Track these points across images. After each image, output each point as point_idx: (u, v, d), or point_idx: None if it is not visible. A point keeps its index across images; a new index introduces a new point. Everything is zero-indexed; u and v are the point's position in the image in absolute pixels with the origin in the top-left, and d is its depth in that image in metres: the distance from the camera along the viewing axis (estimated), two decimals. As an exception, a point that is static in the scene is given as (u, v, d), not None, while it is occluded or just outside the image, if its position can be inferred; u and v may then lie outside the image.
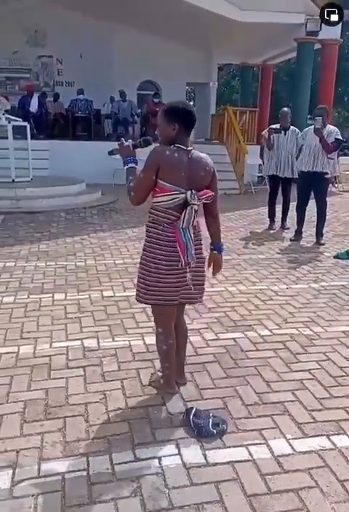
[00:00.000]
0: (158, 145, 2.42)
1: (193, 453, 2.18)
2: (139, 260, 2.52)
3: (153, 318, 3.53)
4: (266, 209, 7.59)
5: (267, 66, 16.74)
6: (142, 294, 2.49)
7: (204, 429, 2.29)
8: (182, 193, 2.33)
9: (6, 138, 8.79)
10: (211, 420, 2.32)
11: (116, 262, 5.23)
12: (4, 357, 3.04)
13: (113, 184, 10.58)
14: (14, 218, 7.37)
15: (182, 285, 2.45)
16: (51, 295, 4.15)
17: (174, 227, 2.36)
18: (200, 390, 2.70)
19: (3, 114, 8.98)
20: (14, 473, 2.02)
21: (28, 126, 9.24)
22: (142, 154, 2.48)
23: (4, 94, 12.67)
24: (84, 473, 2.04)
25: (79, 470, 2.05)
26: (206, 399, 2.62)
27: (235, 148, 11.21)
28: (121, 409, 2.51)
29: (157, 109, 11.92)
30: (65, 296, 4.16)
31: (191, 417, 2.34)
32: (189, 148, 2.38)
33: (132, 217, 7.82)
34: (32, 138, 9.63)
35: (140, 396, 2.63)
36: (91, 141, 11.79)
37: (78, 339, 3.32)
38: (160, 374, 2.79)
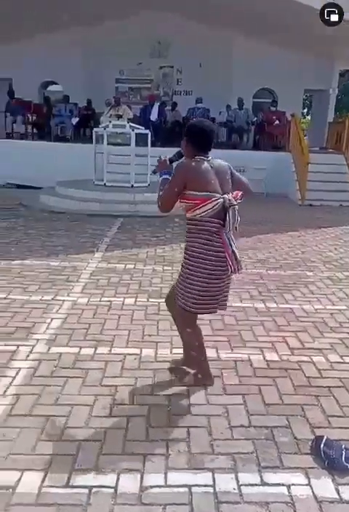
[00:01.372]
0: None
1: (324, 486, 2.04)
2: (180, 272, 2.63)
3: (271, 333, 3.47)
4: None
5: None
6: (190, 303, 2.56)
7: (336, 461, 2.13)
8: (220, 198, 2.45)
9: (128, 145, 9.22)
10: (344, 453, 2.16)
11: (232, 271, 5.17)
12: (128, 358, 3.14)
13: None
14: (132, 222, 7.69)
15: (222, 292, 2.60)
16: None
17: (220, 234, 2.46)
18: (327, 416, 2.53)
19: (128, 123, 9.44)
20: (142, 478, 2.05)
21: (149, 134, 9.59)
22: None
23: (127, 104, 13.33)
24: (211, 489, 2.00)
25: (206, 486, 2.02)
26: (334, 427, 2.44)
27: (357, 159, 10.56)
28: (244, 426, 2.44)
29: (274, 117, 11.73)
30: (183, 302, 4.20)
31: (322, 446, 2.20)
32: (209, 157, 2.54)
33: (243, 225, 7.70)
34: (151, 145, 10.00)
35: (263, 415, 2.53)
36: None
37: (197, 347, 3.32)
38: (191, 371, 2.84)
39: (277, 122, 11.71)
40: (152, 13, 13.81)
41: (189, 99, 14.51)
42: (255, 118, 12.55)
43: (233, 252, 2.46)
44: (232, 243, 2.48)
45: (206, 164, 2.48)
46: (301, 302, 4.23)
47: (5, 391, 2.70)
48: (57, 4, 11.59)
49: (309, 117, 22.84)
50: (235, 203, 2.47)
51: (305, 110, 19.30)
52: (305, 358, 3.14)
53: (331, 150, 12.82)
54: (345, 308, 4.11)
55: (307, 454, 2.23)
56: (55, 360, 3.08)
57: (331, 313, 3.92)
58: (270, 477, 2.08)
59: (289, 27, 11.97)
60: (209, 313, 2.71)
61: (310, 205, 9.79)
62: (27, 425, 2.40)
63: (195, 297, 2.54)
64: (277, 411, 2.57)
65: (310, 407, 2.59)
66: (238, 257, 2.49)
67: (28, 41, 13.74)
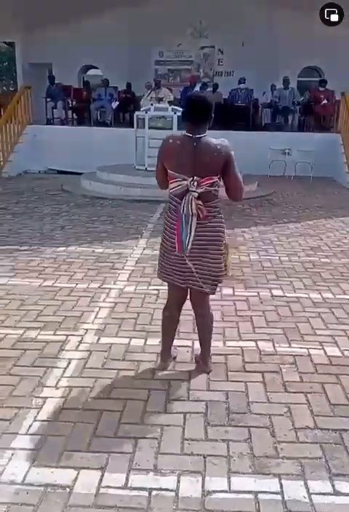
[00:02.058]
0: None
1: None
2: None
3: (330, 326, 3.28)
4: None
5: None
6: (157, 268, 2.77)
7: None
8: (184, 180, 2.41)
9: (171, 129, 9.03)
10: None
11: (281, 258, 4.96)
12: (180, 349, 3.02)
13: (268, 175, 10.27)
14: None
15: (185, 270, 2.56)
16: (219, 289, 4.06)
17: (177, 213, 2.46)
18: None
19: (170, 105, 9.24)
20: (203, 482, 1.93)
21: (191, 116, 9.36)
22: None
23: (168, 86, 13.11)
24: (278, 496, 1.86)
25: (272, 493, 1.87)
26: None
27: None
28: (309, 427, 2.27)
29: (322, 96, 11.23)
30: (233, 291, 4.04)
31: None
32: (198, 136, 2.40)
33: (292, 210, 7.45)
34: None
35: (330, 416, 2.36)
36: (248, 131, 11.58)
37: (251, 340, 3.16)
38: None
39: (325, 101, 11.18)
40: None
41: (230, 80, 14.11)
42: (302, 98, 12.03)
43: (182, 237, 2.46)
44: (186, 226, 2.44)
45: (186, 143, 2.41)
46: (360, 292, 3.99)
47: (57, 383, 2.64)
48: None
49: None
50: (194, 189, 2.40)
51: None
52: (371, 354, 2.93)
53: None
54: None
55: (383, 462, 2.05)
56: (106, 351, 3.00)
57: None
58: (343, 486, 1.91)
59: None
60: (169, 281, 2.71)
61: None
62: (80, 419, 2.33)
63: (158, 262, 2.73)
64: (344, 412, 2.38)
65: (381, 409, 2.40)
66: (187, 242, 2.47)
67: (67, 26, 13.70)
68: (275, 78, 12.59)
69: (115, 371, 2.77)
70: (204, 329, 2.79)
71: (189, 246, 2.48)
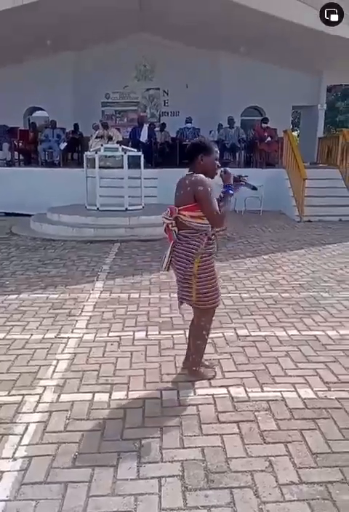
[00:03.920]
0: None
1: None
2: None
3: (299, 365, 3.22)
4: None
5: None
6: None
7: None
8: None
9: (121, 168, 8.98)
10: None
11: (242, 295, 4.90)
12: (148, 402, 2.82)
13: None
14: (129, 246, 7.40)
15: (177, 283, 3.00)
16: (182, 332, 3.91)
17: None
18: None
19: (120, 145, 9.21)
20: None
21: (142, 155, 9.37)
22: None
23: (115, 127, 13.16)
24: None
25: None
26: None
27: (353, 172, 10.45)
28: (294, 482, 2.13)
29: (265, 134, 11.63)
30: (198, 334, 3.89)
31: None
32: (188, 173, 2.83)
33: (246, 245, 7.51)
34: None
35: (313, 467, 2.23)
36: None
37: (222, 386, 3.01)
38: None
39: (269, 139, 11.59)
40: (137, 36, 13.80)
41: (176, 119, 14.43)
42: (244, 135, 12.40)
43: (166, 255, 2.90)
44: (170, 249, 2.87)
45: (180, 179, 2.87)
46: (324, 327, 3.95)
47: (14, 454, 2.36)
48: (43, 30, 11.44)
49: (295, 133, 22.95)
50: (166, 218, 2.81)
51: (290, 127, 19.24)
52: (344, 394, 2.85)
53: (321, 165, 12.78)
54: None
55: (374, 515, 1.93)
56: (67, 410, 2.75)
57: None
58: None
59: (277, 44, 11.99)
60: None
61: (309, 221, 9.61)
62: (43, 495, 2.07)
63: None
64: (327, 461, 2.26)
65: (363, 455, 2.30)
66: (165, 262, 2.91)
67: (13, 67, 13.57)
68: (219, 117, 12.98)
69: (80, 433, 2.53)
70: (191, 333, 3.11)
71: (163, 265, 2.92)
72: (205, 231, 2.81)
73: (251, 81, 13.46)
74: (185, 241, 2.81)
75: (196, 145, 2.87)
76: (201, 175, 2.74)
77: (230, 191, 2.88)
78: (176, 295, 4.89)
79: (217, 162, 2.85)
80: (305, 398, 2.82)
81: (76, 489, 2.12)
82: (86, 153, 9.66)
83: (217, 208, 2.74)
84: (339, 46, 10.74)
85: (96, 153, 9.08)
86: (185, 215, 2.78)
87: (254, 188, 3.13)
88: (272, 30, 11.04)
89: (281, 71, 13.76)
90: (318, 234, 8.42)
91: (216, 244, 2.93)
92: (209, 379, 3.08)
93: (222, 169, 2.93)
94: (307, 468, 2.22)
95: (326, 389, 2.93)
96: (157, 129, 13.17)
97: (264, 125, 11.75)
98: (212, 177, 2.84)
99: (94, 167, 8.96)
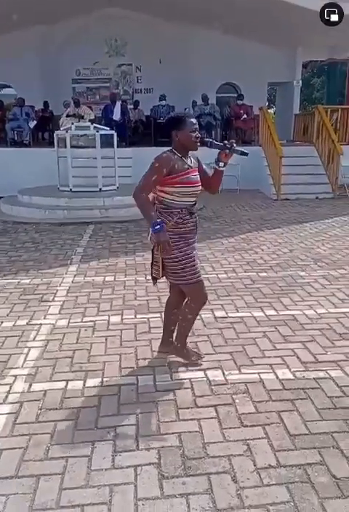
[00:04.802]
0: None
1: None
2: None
3: (277, 345, 3.18)
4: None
5: (356, 61, 15.58)
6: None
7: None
8: None
9: (94, 147, 8.75)
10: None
11: (220, 276, 4.84)
12: (124, 388, 2.74)
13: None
14: (104, 228, 7.25)
15: None
16: (159, 315, 3.83)
17: None
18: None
19: (91, 124, 8.96)
20: None
21: (115, 134, 9.15)
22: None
23: (87, 104, 12.81)
24: None
25: None
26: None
27: (328, 149, 10.43)
28: (272, 466, 2.09)
29: (241, 111, 11.51)
30: (175, 316, 3.82)
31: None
32: None
33: (223, 224, 7.44)
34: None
35: (292, 449, 2.19)
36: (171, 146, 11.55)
37: (200, 369, 2.95)
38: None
39: (245, 116, 11.47)
40: (108, 11, 13.37)
41: (150, 97, 14.16)
42: (221, 113, 12.25)
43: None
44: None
45: None
46: (301, 307, 3.93)
47: (-17, 447, 2.25)
48: (11, 3, 10.93)
49: (271, 110, 22.89)
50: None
51: (266, 104, 19.15)
52: (322, 374, 2.83)
53: (298, 142, 12.75)
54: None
55: (350, 497, 1.91)
56: (39, 400, 2.65)
57: (337, 318, 3.64)
58: (318, 533, 1.75)
59: (251, 18, 11.79)
60: None
61: (286, 199, 9.60)
62: (15, 490, 1.98)
63: None
64: (306, 443, 2.23)
65: (341, 435, 2.27)
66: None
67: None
68: (194, 94, 12.77)
69: (52, 423, 2.44)
70: (180, 313, 2.97)
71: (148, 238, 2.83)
72: (176, 209, 2.72)
73: (226, 57, 13.22)
74: (158, 216, 2.72)
75: (168, 120, 2.82)
76: (165, 153, 2.68)
77: (217, 166, 2.77)
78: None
79: (195, 134, 2.67)
80: (282, 379, 2.79)
81: (48, 482, 2.04)
82: (56, 132, 9.37)
83: (146, 184, 2.67)
84: (313, 21, 10.61)
85: (67, 131, 8.81)
86: (155, 188, 2.75)
87: (243, 153, 2.74)
88: (246, 3, 10.83)
89: (257, 47, 13.56)
90: (295, 212, 8.42)
91: (190, 227, 2.80)
92: (191, 362, 2.99)
93: (208, 141, 2.75)
94: (285, 450, 2.19)
95: (304, 369, 2.91)
96: (130, 106, 12.91)
97: (239, 102, 11.62)
98: (195, 149, 2.74)
99: (66, 147, 8.70)
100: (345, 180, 10.15)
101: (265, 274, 4.83)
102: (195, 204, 2.82)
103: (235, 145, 2.71)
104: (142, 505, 1.90)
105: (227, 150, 2.70)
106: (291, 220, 7.74)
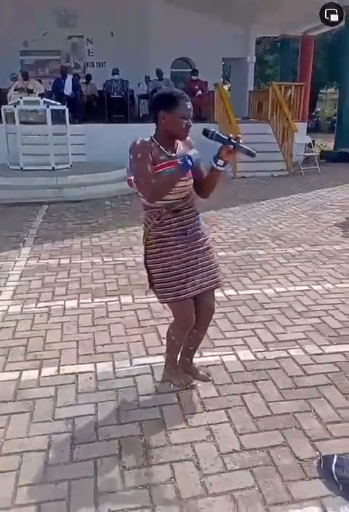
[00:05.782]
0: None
1: (346, 518, 1.73)
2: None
3: (238, 326, 3.16)
4: (323, 192, 7.05)
5: (308, 38, 15.70)
6: None
7: (354, 485, 1.83)
8: None
9: (44, 123, 8.39)
10: (360, 472, 1.86)
11: (178, 256, 4.76)
12: (82, 377, 2.64)
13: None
14: (58, 208, 6.99)
15: None
16: (117, 298, 3.73)
17: None
18: (325, 424, 2.22)
19: (41, 98, 8.57)
20: None
21: (67, 109, 8.80)
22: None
23: (36, 78, 12.25)
24: None
25: (210, 545, 1.62)
26: (336, 438, 2.14)
27: (282, 127, 10.50)
28: (235, 450, 2.07)
29: (196, 87, 11.37)
30: (133, 299, 3.73)
31: (333, 468, 1.88)
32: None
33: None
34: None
35: (255, 432, 2.18)
36: (126, 123, 11.29)
37: (159, 354, 2.88)
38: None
39: (200, 92, 11.34)
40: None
41: (103, 71, 13.70)
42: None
43: None
44: None
45: None
46: (260, 285, 3.93)
47: None
48: None
49: (226, 87, 22.82)
50: None
51: (221, 80, 19.07)
52: (283, 354, 2.83)
53: (253, 119, 12.78)
54: (307, 288, 3.87)
55: (315, 478, 1.91)
56: (-9, 392, 2.50)
57: (295, 296, 3.67)
58: (283, 516, 1.73)
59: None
60: None
61: (243, 177, 9.62)
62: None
63: None
64: (268, 425, 2.22)
65: (303, 415, 2.28)
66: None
67: None
68: (148, 69, 12.47)
69: (6, 417, 2.31)
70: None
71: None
72: (156, 208, 2.22)
73: (180, 31, 12.96)
74: (144, 219, 2.31)
75: (156, 98, 2.19)
76: (139, 140, 2.15)
77: (215, 164, 2.20)
78: (109, 259, 4.72)
79: (186, 122, 2.12)
80: (244, 361, 2.78)
81: (3, 479, 1.92)
82: (3, 106, 8.89)
83: (147, 176, 2.11)
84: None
85: (15, 106, 8.38)
86: (133, 185, 2.25)
87: (250, 153, 2.13)
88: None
89: (211, 22, 13.39)
90: (251, 190, 8.46)
91: (176, 230, 2.26)
92: (180, 385, 2.54)
93: (210, 130, 2.15)
94: (248, 433, 2.17)
95: (265, 349, 2.90)
96: (82, 80, 12.46)
97: (194, 77, 11.46)
98: (183, 139, 2.22)
99: (15, 123, 8.29)
100: (298, 158, 10.29)
101: (223, 253, 4.80)
102: (182, 202, 2.27)
103: (241, 141, 2.13)
104: (103, 497, 1.82)
105: (232, 146, 2.13)
106: (248, 198, 7.76)
